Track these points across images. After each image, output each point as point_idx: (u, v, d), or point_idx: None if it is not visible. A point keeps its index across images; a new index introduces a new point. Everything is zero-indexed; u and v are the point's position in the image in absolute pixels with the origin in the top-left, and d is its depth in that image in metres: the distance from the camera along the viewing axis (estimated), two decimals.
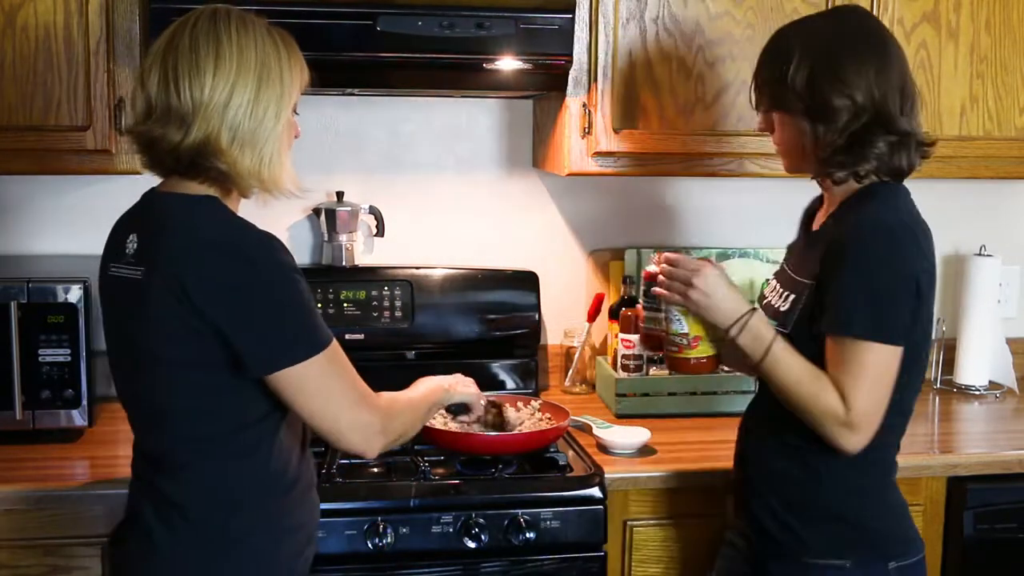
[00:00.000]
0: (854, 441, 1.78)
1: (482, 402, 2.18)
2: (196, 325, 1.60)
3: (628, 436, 2.36)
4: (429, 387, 1.99)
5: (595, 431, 2.40)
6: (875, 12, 2.54)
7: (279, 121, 1.67)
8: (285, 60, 1.68)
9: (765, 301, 2.00)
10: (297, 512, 1.76)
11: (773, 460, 1.92)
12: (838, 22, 1.91)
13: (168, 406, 1.69)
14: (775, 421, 1.89)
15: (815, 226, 1.96)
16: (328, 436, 1.69)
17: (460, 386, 2.11)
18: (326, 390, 1.65)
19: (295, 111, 1.74)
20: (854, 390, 1.76)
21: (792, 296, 1.90)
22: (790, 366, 1.81)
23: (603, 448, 2.37)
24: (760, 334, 1.83)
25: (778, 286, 1.98)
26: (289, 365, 1.61)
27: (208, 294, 1.59)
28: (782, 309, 1.91)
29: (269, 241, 1.64)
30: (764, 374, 1.85)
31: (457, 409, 2.16)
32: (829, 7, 2.52)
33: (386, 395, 1.80)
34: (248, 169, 1.65)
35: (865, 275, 1.76)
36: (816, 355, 1.82)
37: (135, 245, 1.69)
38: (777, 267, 2.07)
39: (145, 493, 1.75)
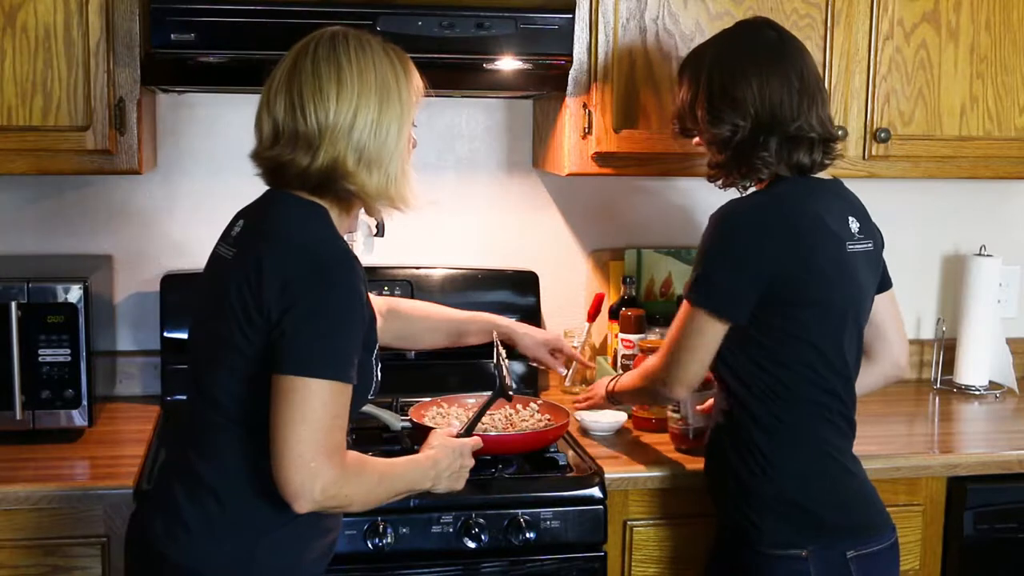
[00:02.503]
0: (670, 388, 2.01)
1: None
2: (255, 316, 1.64)
3: (605, 417, 2.42)
4: (419, 469, 1.86)
5: (579, 414, 2.46)
6: (875, 12, 2.55)
7: (401, 138, 1.72)
8: (403, 78, 1.74)
9: None
10: (327, 516, 1.76)
11: (725, 450, 2.01)
12: (724, 42, 2.04)
13: (219, 384, 1.71)
14: (728, 416, 2.01)
15: None
16: (274, 458, 1.61)
17: (449, 482, 1.92)
18: (301, 414, 1.59)
19: (414, 124, 1.78)
20: (665, 348, 2.01)
21: None
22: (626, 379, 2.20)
23: (584, 431, 2.44)
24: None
25: None
26: (294, 373, 1.60)
27: (276, 289, 1.62)
28: None
29: (351, 262, 1.68)
30: (622, 397, 2.27)
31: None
32: (826, 8, 2.53)
33: (357, 458, 1.71)
34: (376, 189, 1.71)
35: (699, 253, 1.98)
36: None
37: (239, 229, 1.76)
38: None
39: (182, 477, 1.75)
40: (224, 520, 1.70)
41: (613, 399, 2.30)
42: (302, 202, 1.73)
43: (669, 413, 2.36)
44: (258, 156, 1.74)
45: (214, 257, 1.80)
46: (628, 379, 2.22)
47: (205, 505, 1.70)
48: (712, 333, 1.94)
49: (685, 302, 1.97)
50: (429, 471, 1.88)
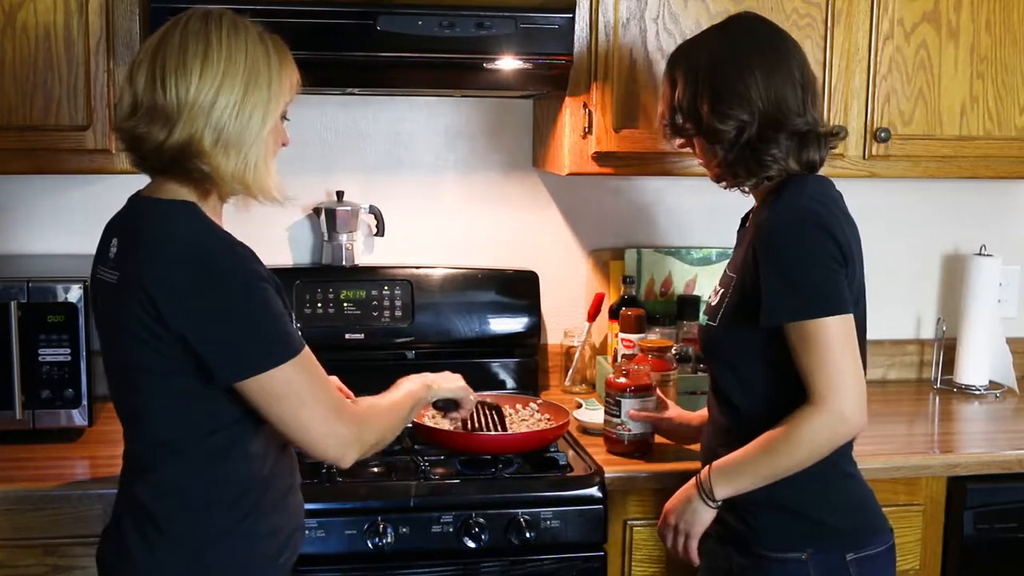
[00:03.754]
0: (850, 421, 1.80)
1: (472, 397, 2.11)
2: (161, 332, 1.60)
3: (605, 414, 2.41)
4: (411, 387, 1.93)
5: (575, 412, 2.47)
6: (875, 12, 2.55)
7: (265, 126, 1.66)
8: (275, 66, 1.67)
9: (707, 300, 2.05)
10: (272, 516, 1.74)
11: (723, 452, 1.94)
12: (721, 36, 1.94)
13: (140, 409, 1.69)
14: (726, 432, 1.95)
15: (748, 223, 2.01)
16: (300, 445, 1.67)
17: (444, 382, 2.04)
18: (295, 398, 1.62)
19: (284, 117, 1.73)
20: (818, 374, 1.79)
21: (722, 291, 1.96)
22: (742, 463, 1.87)
23: (584, 431, 2.45)
24: (705, 487, 1.90)
25: (717, 284, 2.02)
26: (255, 373, 1.60)
27: (173, 302, 1.59)
28: (713, 304, 1.98)
29: (238, 250, 1.64)
30: (755, 480, 1.87)
31: (445, 406, 2.10)
32: (826, 8, 2.53)
33: (364, 403, 1.78)
34: (232, 173, 1.64)
35: (774, 271, 1.81)
36: (738, 345, 1.91)
37: (115, 249, 1.70)
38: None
39: (123, 500, 1.76)
40: (163, 543, 1.69)
41: (711, 496, 1.89)
42: (169, 204, 1.67)
43: (607, 417, 2.34)
44: (117, 129, 1.69)
45: (98, 283, 1.74)
46: (756, 459, 1.85)
47: (145, 529, 1.69)
48: (854, 335, 1.82)
49: (803, 325, 1.78)
50: (426, 383, 1.97)
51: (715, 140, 1.91)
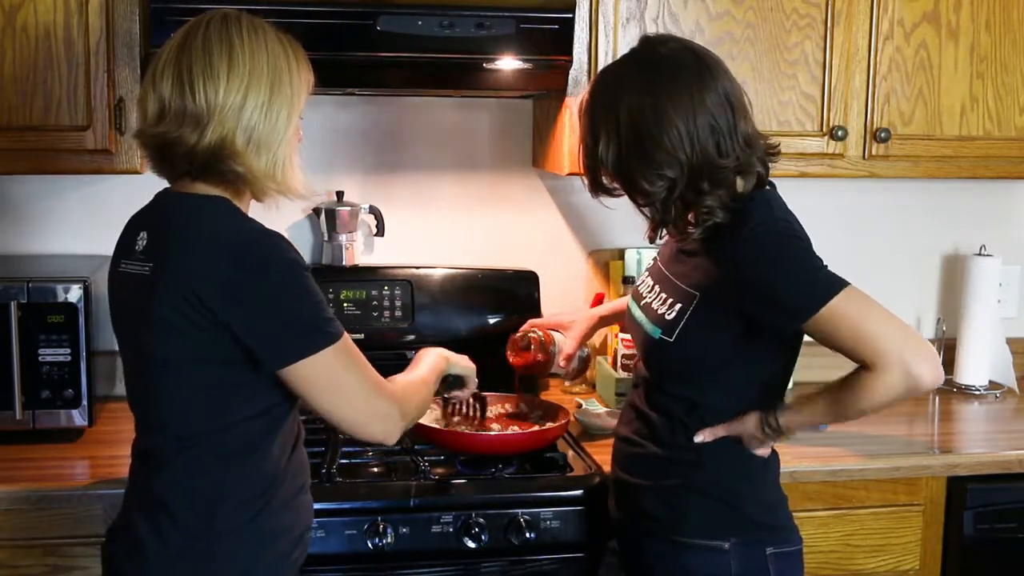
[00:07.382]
0: (923, 377, 1.75)
1: (475, 380, 2.19)
2: (203, 322, 1.61)
3: (605, 417, 2.42)
4: (433, 359, 2.02)
5: (576, 412, 2.48)
6: (875, 12, 2.55)
7: (290, 125, 1.69)
8: (295, 66, 1.71)
9: (644, 302, 1.99)
10: (283, 515, 1.75)
11: (651, 444, 1.94)
12: (637, 75, 1.82)
13: (161, 402, 1.70)
14: (658, 417, 1.93)
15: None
16: (346, 428, 1.72)
17: (456, 357, 2.12)
18: (340, 382, 1.67)
19: (300, 116, 1.75)
20: (871, 343, 1.74)
21: (679, 306, 1.88)
22: (806, 411, 1.88)
23: (584, 431, 2.44)
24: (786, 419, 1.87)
25: (659, 290, 1.96)
26: (301, 358, 1.63)
27: (218, 292, 1.60)
28: (668, 317, 1.89)
29: (277, 239, 1.66)
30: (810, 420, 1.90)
31: (454, 382, 2.15)
32: (826, 8, 2.53)
33: (398, 381, 1.84)
34: (263, 171, 1.67)
35: (777, 272, 1.77)
36: (699, 359, 1.87)
37: (145, 242, 1.71)
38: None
39: (136, 495, 1.76)
40: (176, 535, 1.69)
41: (777, 431, 1.87)
42: (204, 199, 1.69)
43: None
44: (142, 134, 1.70)
45: (122, 276, 1.74)
46: (823, 412, 1.87)
47: (159, 524, 1.70)
48: (868, 296, 1.77)
49: (828, 309, 1.73)
50: (444, 355, 2.07)
51: (646, 201, 1.85)
